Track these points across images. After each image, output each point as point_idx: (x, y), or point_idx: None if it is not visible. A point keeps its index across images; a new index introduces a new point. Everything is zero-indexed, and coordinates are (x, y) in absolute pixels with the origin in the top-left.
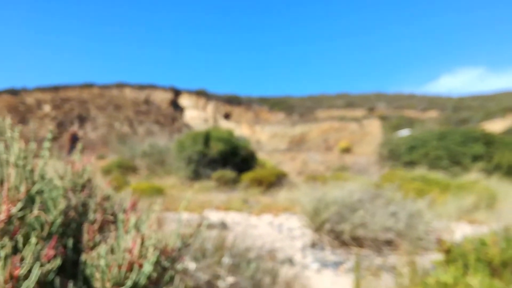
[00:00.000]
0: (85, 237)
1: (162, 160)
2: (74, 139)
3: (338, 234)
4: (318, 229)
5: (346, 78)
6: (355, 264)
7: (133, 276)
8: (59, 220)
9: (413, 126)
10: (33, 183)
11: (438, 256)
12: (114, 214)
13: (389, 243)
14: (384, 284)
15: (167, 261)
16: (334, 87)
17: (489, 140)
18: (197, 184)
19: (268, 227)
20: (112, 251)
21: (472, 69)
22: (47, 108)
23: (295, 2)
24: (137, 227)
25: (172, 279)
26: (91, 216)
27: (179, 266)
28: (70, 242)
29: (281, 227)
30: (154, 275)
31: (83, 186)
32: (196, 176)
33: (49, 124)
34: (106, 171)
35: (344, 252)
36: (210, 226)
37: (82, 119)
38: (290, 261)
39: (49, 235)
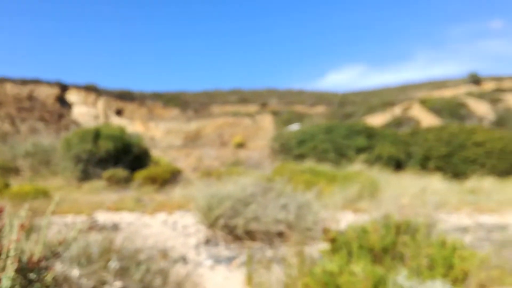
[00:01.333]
0: None
1: (47, 160)
2: None
3: (232, 229)
4: (212, 225)
5: (239, 74)
6: (247, 258)
7: None
8: None
9: (302, 121)
10: None
11: (325, 246)
12: None
13: (280, 235)
14: (274, 276)
15: (33, 272)
16: (228, 83)
17: (371, 133)
18: (87, 185)
19: (162, 226)
20: None
21: (356, 66)
22: None
23: None
24: None
25: None
26: None
27: (48, 277)
28: None
29: (176, 225)
30: None
31: None
32: (85, 176)
33: None
34: None
35: (238, 246)
36: (101, 228)
37: None
38: (183, 259)
39: None
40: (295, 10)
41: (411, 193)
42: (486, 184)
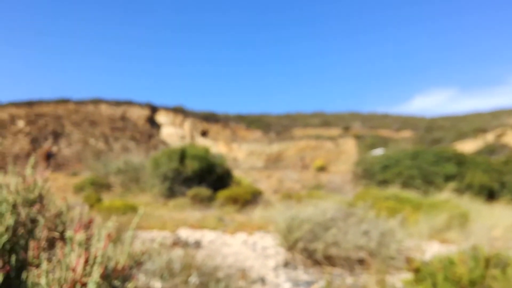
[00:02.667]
0: (30, 254)
1: (137, 177)
2: (48, 156)
3: (311, 252)
4: (291, 247)
5: (322, 97)
6: (326, 283)
7: None
8: (5, 236)
9: (387, 146)
10: None
11: (408, 276)
12: (65, 231)
13: (361, 262)
14: None
15: (117, 280)
16: (310, 106)
17: (461, 160)
18: (172, 202)
19: (242, 246)
20: (55, 269)
21: (444, 90)
22: (21, 123)
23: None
24: (84, 245)
25: None
26: (39, 232)
27: (130, 285)
28: (13, 259)
29: (255, 245)
30: None
31: (34, 201)
32: (171, 193)
33: (23, 140)
34: (79, 188)
35: (317, 271)
36: (184, 244)
37: (57, 135)
38: (262, 280)
39: None
40: (381, 30)
41: (504, 226)
42: None
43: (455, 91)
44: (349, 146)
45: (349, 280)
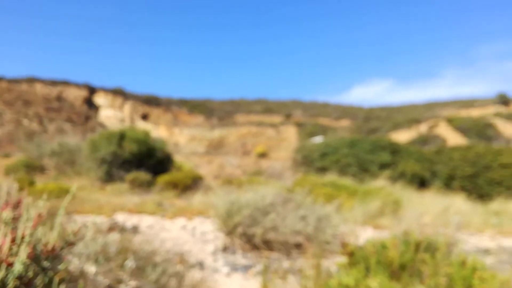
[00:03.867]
0: None
1: (72, 160)
2: None
3: (250, 237)
4: (230, 232)
5: (265, 85)
6: (263, 267)
7: None
8: None
9: (326, 134)
10: None
11: (342, 259)
12: None
13: (298, 246)
14: (290, 286)
15: (47, 261)
16: (253, 93)
17: (395, 149)
18: (110, 186)
19: (181, 231)
20: None
21: (382, 81)
22: None
23: (221, 7)
24: (11, 224)
25: (51, 281)
26: None
27: (60, 266)
28: None
29: (194, 230)
30: (29, 275)
31: None
32: (108, 177)
33: None
34: (11, 170)
35: (255, 255)
36: (121, 229)
37: None
38: (200, 264)
39: None
40: (323, 21)
41: (434, 212)
42: (511, 207)
43: (392, 82)
44: (290, 133)
45: (286, 264)
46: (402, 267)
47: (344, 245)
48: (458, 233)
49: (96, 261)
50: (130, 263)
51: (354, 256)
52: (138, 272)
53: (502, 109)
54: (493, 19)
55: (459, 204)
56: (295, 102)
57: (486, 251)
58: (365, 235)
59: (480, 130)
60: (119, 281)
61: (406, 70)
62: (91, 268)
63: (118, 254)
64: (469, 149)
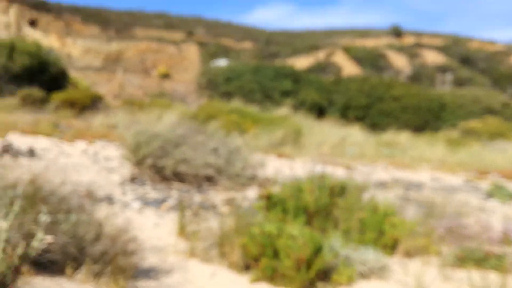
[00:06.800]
0: None
1: None
2: None
3: (160, 169)
4: (139, 163)
5: None
6: (179, 207)
7: None
8: None
9: (229, 56)
10: None
11: (253, 192)
12: None
13: (209, 178)
14: (207, 226)
15: None
16: (153, 5)
17: (297, 78)
18: None
19: (82, 156)
20: None
21: (283, 5)
22: None
23: None
24: None
25: None
26: None
27: None
28: None
29: (97, 156)
30: None
31: None
32: None
33: None
34: None
35: (165, 187)
36: (16, 152)
37: None
38: (109, 199)
39: None
40: None
41: (332, 142)
42: (401, 138)
43: (293, 7)
44: (192, 52)
45: (197, 197)
46: (318, 211)
47: (262, 186)
48: (353, 164)
49: (5, 215)
50: (44, 217)
51: (271, 199)
52: (51, 224)
53: (395, 41)
54: None
55: (354, 134)
56: (197, 20)
57: (383, 185)
58: (271, 165)
59: (373, 61)
60: (32, 236)
61: None
62: (2, 223)
63: (29, 204)
64: (364, 81)
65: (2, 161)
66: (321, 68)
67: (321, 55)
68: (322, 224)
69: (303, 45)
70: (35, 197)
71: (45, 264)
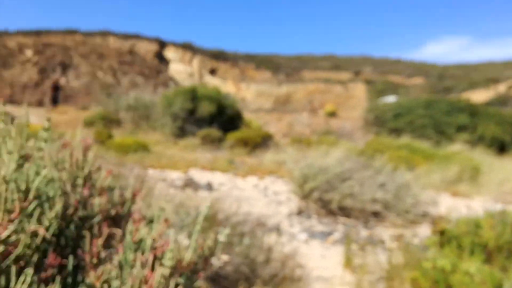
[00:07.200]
0: (88, 256)
1: (147, 114)
2: (56, 88)
3: (326, 203)
4: (305, 196)
5: (333, 40)
6: (346, 239)
7: None
8: (54, 224)
9: (398, 92)
10: (27, 195)
11: (432, 237)
12: (117, 214)
13: (375, 214)
14: (374, 260)
15: (181, 277)
16: (321, 48)
17: (473, 111)
18: (182, 142)
19: (253, 190)
20: (121, 271)
21: (457, 38)
22: (29, 53)
23: None
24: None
25: None
26: (95, 221)
27: (196, 284)
28: (70, 263)
29: (267, 190)
30: None
31: (85, 180)
32: (181, 133)
33: (31, 69)
34: (89, 123)
35: (331, 221)
36: (196, 186)
37: (65, 67)
38: (277, 229)
39: (39, 248)
40: None
41: None
42: None
43: (468, 40)
44: (359, 91)
45: (364, 232)
46: (499, 249)
47: (436, 222)
48: None
49: (189, 234)
50: (223, 236)
51: (445, 235)
52: (227, 245)
53: None
54: None
55: None
56: (364, 58)
57: None
58: (444, 203)
59: None
60: (211, 254)
61: (484, 27)
62: (185, 241)
63: (208, 226)
64: None
65: (185, 192)
66: (501, 101)
67: (501, 88)
68: (503, 262)
69: (480, 78)
70: (213, 220)
71: (219, 281)
